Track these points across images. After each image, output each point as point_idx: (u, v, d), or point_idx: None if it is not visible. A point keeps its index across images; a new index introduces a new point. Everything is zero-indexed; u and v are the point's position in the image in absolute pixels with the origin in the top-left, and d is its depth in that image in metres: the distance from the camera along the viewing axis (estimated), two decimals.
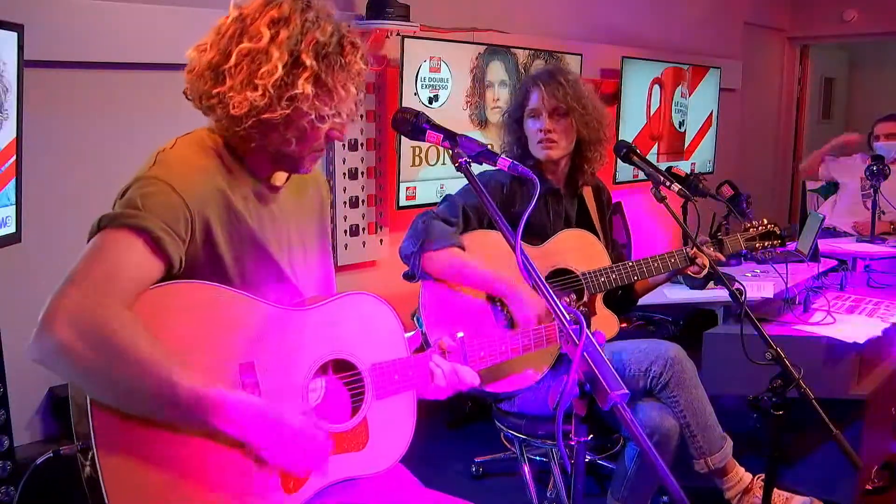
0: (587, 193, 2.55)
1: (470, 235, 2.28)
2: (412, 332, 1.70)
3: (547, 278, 2.34)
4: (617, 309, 2.47)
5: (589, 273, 2.34)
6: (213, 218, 1.36)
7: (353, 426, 1.48)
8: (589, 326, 1.25)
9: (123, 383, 1.21)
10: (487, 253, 2.24)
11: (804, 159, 5.09)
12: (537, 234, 2.39)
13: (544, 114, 2.37)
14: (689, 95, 5.21)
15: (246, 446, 1.33)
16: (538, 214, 2.42)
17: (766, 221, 2.57)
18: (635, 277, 2.38)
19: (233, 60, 1.34)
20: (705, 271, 2.37)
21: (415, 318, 2.27)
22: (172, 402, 1.23)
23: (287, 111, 1.35)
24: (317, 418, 1.42)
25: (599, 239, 2.47)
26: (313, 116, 1.37)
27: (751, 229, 2.55)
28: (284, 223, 1.52)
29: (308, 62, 1.34)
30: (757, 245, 2.55)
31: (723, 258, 2.44)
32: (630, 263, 2.38)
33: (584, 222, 2.51)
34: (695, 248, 2.35)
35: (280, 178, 1.51)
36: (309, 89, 1.34)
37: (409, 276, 2.31)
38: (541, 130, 2.38)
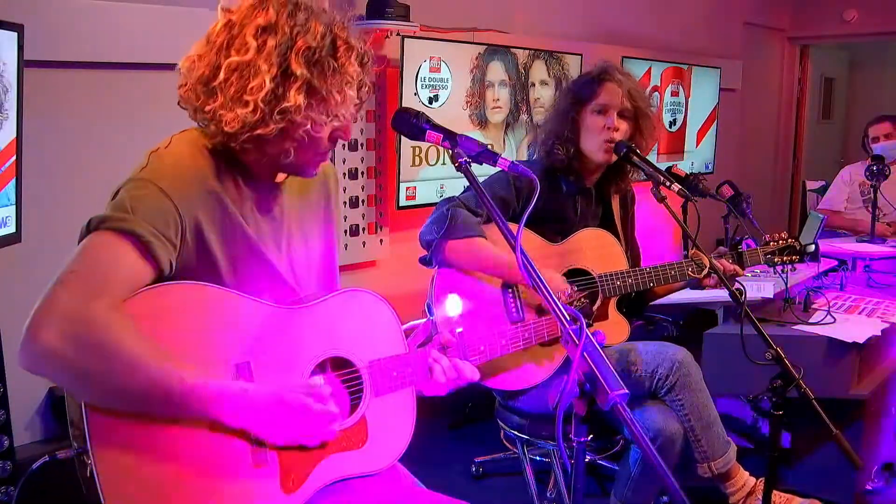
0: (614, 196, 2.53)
1: (494, 227, 2.24)
2: (423, 321, 1.68)
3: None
4: (628, 311, 2.46)
5: (605, 276, 2.33)
6: (205, 220, 1.35)
7: (352, 424, 1.48)
8: (590, 324, 1.25)
9: (114, 383, 1.21)
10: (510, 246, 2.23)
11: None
12: (560, 230, 2.37)
13: (613, 111, 2.33)
14: (689, 95, 5.21)
15: (246, 433, 1.32)
16: (565, 210, 2.40)
17: (785, 235, 2.55)
18: (651, 284, 2.36)
19: (222, 76, 1.31)
20: (706, 271, 2.37)
21: (426, 307, 2.26)
22: (167, 399, 1.23)
23: (280, 124, 1.33)
24: (316, 389, 1.37)
25: (619, 241, 2.47)
26: (308, 126, 1.35)
27: (770, 243, 2.53)
28: (285, 220, 1.51)
29: (298, 71, 1.30)
30: (776, 259, 2.53)
31: (741, 272, 2.41)
32: (647, 269, 2.36)
33: (607, 224, 2.50)
34: (695, 248, 2.34)
35: (282, 174, 1.50)
36: (301, 100, 1.31)
37: (425, 262, 2.30)
38: (608, 128, 2.31)
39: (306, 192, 1.58)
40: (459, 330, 1.62)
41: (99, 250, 1.26)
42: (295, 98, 1.31)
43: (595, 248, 2.39)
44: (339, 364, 1.50)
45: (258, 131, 1.32)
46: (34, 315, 1.19)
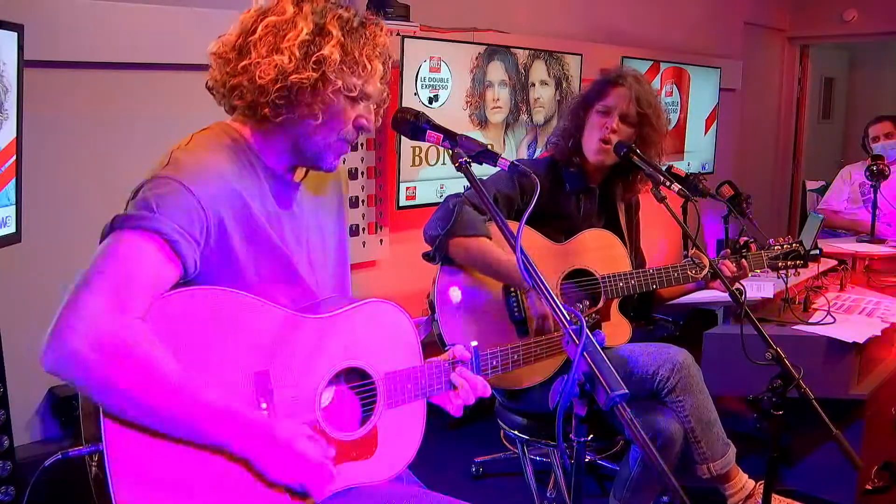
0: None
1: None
2: (423, 318, 1.69)
3: (565, 278, 2.34)
4: (634, 314, 2.46)
5: (608, 277, 2.33)
6: (228, 218, 1.35)
7: (362, 435, 1.47)
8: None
9: (136, 398, 1.20)
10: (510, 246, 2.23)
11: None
12: (563, 228, 2.38)
13: (615, 114, 2.34)
14: (688, 95, 5.20)
15: (248, 462, 1.31)
16: (568, 208, 2.40)
17: (790, 239, 2.55)
18: (654, 285, 2.36)
19: (258, 33, 1.35)
20: (705, 271, 2.37)
21: (428, 303, 2.27)
22: (183, 420, 1.23)
23: (315, 74, 1.34)
24: (322, 441, 1.38)
25: (623, 242, 2.47)
26: (341, 85, 1.36)
27: (775, 247, 2.53)
28: (303, 220, 1.51)
29: (334, 32, 1.35)
30: (780, 264, 2.52)
31: (747, 275, 2.41)
32: (650, 270, 2.36)
33: (611, 225, 2.50)
34: (695, 248, 2.35)
35: (300, 173, 1.51)
36: (336, 55, 1.35)
37: (429, 258, 2.30)
38: (605, 127, 2.33)
39: (322, 191, 1.59)
40: (474, 344, 1.61)
41: (125, 251, 1.25)
42: (331, 51, 1.34)
43: (598, 249, 2.39)
44: (355, 373, 1.49)
45: (292, 77, 1.33)
46: (60, 318, 1.17)
